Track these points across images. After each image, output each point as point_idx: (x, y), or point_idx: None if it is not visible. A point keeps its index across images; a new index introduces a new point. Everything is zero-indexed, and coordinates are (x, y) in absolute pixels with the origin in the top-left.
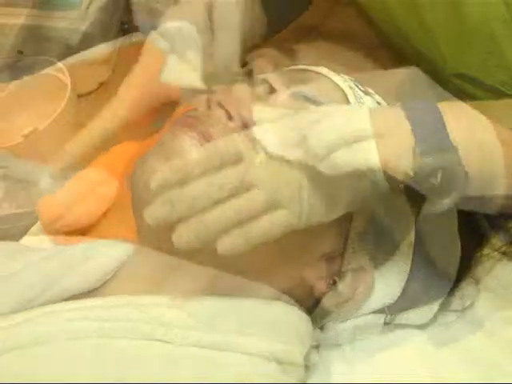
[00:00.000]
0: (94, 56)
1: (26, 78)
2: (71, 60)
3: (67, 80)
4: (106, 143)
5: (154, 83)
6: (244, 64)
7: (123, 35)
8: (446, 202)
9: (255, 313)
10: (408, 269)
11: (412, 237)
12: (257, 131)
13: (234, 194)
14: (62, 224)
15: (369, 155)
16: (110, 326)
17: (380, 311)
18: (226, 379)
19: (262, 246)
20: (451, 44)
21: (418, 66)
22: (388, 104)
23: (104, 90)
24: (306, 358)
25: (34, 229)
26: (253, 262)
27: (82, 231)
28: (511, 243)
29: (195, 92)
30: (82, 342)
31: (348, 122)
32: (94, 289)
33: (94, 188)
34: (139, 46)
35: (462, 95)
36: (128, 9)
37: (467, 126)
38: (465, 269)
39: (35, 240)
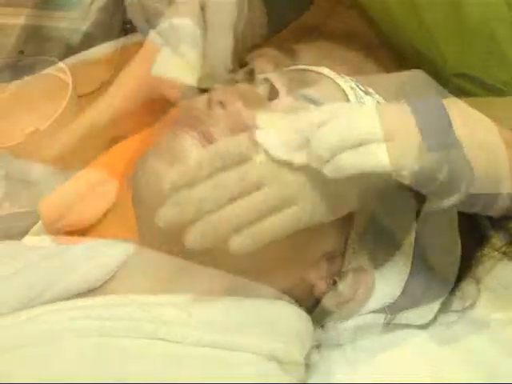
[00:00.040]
0: (95, 56)
1: (27, 78)
2: (72, 60)
3: (68, 80)
4: (99, 134)
5: (152, 75)
6: (244, 64)
7: (125, 35)
8: (452, 200)
9: (255, 312)
10: (408, 269)
11: (412, 237)
12: (259, 135)
13: (244, 193)
14: (63, 224)
15: (379, 157)
16: (112, 324)
17: (380, 311)
18: (227, 378)
19: (262, 246)
20: (451, 44)
21: (418, 66)
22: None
23: (105, 89)
24: (307, 357)
25: (35, 228)
26: (253, 261)
27: (83, 231)
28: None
29: (194, 90)
30: (84, 341)
31: (352, 124)
32: (95, 288)
33: (94, 188)
34: (141, 45)
35: (463, 95)
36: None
37: (472, 125)
38: (465, 269)
39: (37, 240)
